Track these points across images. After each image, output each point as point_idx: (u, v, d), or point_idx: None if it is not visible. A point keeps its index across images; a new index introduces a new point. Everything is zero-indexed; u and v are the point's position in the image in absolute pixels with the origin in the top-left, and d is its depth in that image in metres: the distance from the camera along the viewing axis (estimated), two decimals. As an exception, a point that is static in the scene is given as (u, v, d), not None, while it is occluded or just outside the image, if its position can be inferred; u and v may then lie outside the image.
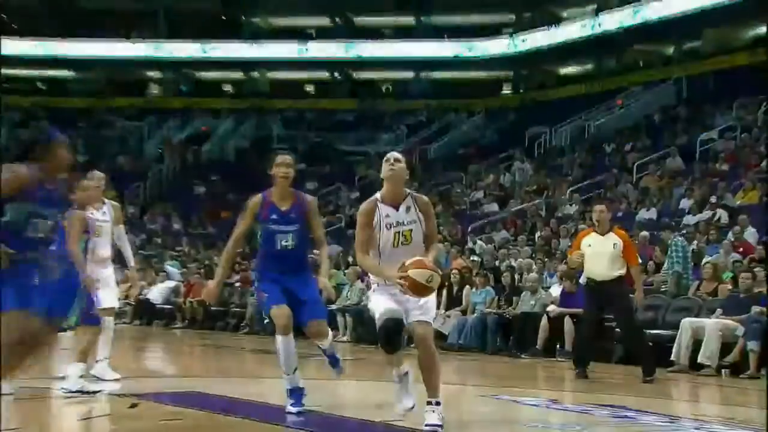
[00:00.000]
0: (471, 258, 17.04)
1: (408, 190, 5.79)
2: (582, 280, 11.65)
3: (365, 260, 5.73)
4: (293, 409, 6.28)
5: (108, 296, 8.29)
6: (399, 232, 5.58)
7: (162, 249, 26.25)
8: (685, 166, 20.73)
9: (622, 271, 9.77)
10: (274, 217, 6.38)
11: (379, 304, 5.65)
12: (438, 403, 5.53)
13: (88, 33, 36.37)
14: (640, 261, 10.97)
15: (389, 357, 5.73)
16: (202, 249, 25.55)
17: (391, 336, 5.60)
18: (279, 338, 6.24)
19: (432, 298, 5.64)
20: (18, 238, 4.92)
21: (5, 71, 37.55)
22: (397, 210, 5.63)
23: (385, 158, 5.77)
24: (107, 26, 36.79)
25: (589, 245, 9.86)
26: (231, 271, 17.29)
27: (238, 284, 19.13)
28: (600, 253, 9.76)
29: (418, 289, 5.35)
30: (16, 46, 35.17)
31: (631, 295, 10.09)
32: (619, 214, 17.96)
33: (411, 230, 5.61)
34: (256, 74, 39.01)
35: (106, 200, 8.49)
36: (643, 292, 10.52)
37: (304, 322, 6.37)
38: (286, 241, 6.34)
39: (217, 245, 25.74)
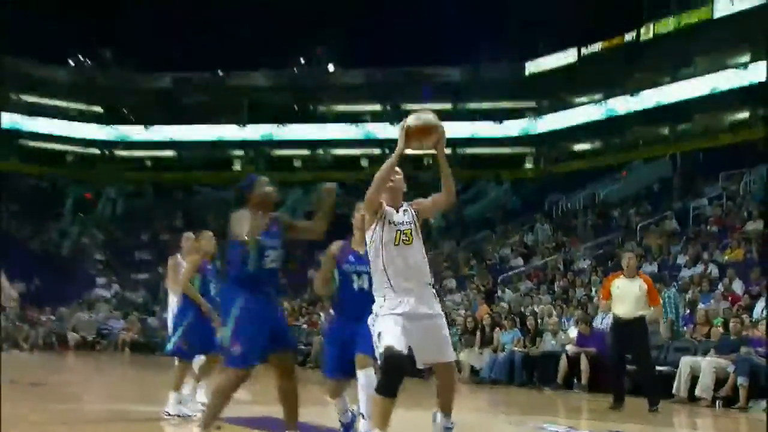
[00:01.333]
0: (500, 304, 16.93)
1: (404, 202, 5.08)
2: (603, 322, 11.52)
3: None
4: None
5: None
6: (400, 231, 4.85)
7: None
8: (680, 228, 20.48)
9: (645, 312, 9.60)
10: (351, 259, 5.72)
11: (386, 324, 4.67)
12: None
13: (186, 121, 37.23)
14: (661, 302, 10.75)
15: (383, 402, 4.52)
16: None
17: (394, 376, 4.54)
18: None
19: (445, 329, 4.83)
20: (251, 268, 4.96)
21: (120, 152, 38.49)
22: (397, 212, 4.95)
23: None
24: (201, 115, 37.52)
25: (618, 287, 9.63)
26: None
27: (304, 326, 19.14)
28: (627, 295, 9.53)
29: (425, 132, 4.79)
30: (129, 131, 36.17)
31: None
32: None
33: (411, 230, 4.89)
34: (320, 151, 39.40)
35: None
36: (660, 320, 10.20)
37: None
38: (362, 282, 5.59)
39: (287, 293, 25.85)
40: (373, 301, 4.96)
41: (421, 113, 4.92)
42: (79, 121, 37.50)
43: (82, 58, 37.78)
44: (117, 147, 38.43)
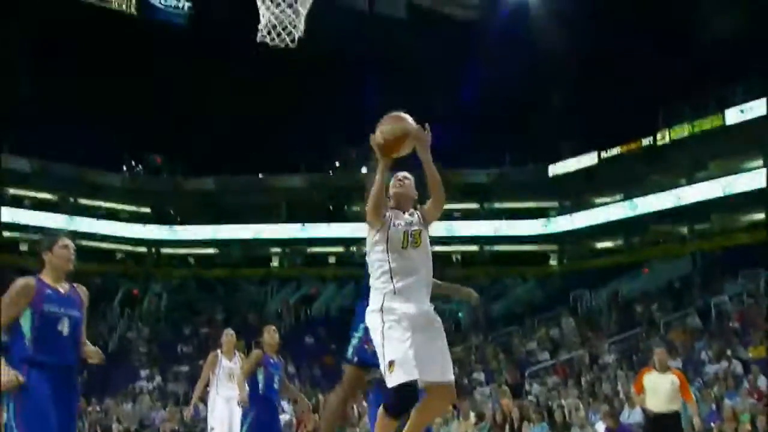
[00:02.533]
0: (528, 398, 16.65)
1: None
2: (630, 417, 11.28)
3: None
4: None
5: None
6: (408, 232, 4.51)
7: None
8: (703, 324, 20.21)
9: (678, 407, 9.41)
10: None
11: (396, 348, 4.19)
12: None
13: (227, 220, 37.86)
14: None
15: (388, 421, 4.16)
16: (310, 388, 25.40)
17: (407, 405, 4.19)
18: None
19: (446, 343, 4.40)
20: None
21: (166, 250, 39.05)
22: (404, 215, 4.64)
23: (394, 176, 4.82)
24: (242, 215, 38.10)
25: (650, 382, 9.47)
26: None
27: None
28: (659, 389, 9.36)
29: (397, 142, 4.35)
30: (173, 233, 36.82)
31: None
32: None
33: (420, 231, 4.55)
34: (353, 248, 39.63)
35: (236, 351, 8.72)
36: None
37: None
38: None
39: (322, 386, 25.64)
40: None
41: (386, 123, 4.44)
42: (128, 221, 38.28)
43: (134, 164, 38.92)
44: (163, 245, 39.03)
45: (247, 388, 7.61)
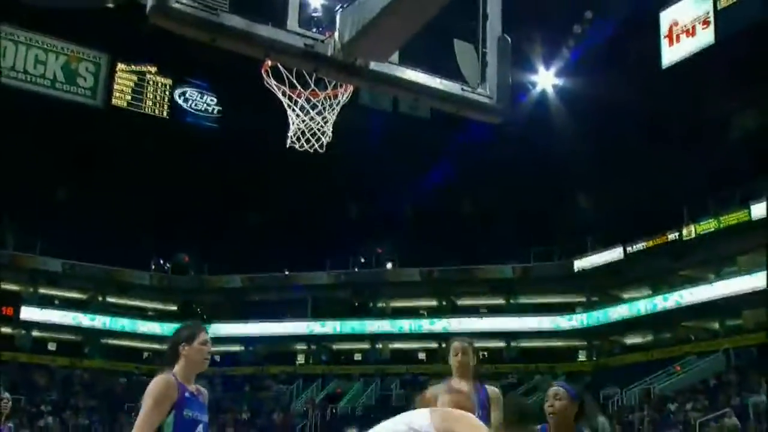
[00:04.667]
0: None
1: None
2: None
3: None
4: None
5: None
6: None
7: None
8: (741, 425, 19.46)
9: None
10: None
11: None
12: None
13: (254, 317, 37.71)
14: None
15: None
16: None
17: None
18: None
19: None
20: None
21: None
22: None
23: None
24: (267, 312, 37.96)
25: None
26: None
27: None
28: None
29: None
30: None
31: None
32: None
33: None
34: (379, 345, 39.17)
35: None
36: None
37: None
38: None
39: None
40: None
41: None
42: (155, 320, 38.27)
43: (162, 262, 39.20)
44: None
45: None
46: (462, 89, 5.01)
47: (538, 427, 4.00)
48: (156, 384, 4.15)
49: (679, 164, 29.26)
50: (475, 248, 35.78)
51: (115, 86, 34.13)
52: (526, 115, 31.31)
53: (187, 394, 4.19)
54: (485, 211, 35.43)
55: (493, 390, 4.82)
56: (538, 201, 33.60)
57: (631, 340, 34.98)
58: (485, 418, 4.61)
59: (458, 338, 4.95)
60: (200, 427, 4.19)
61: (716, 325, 31.24)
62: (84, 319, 35.61)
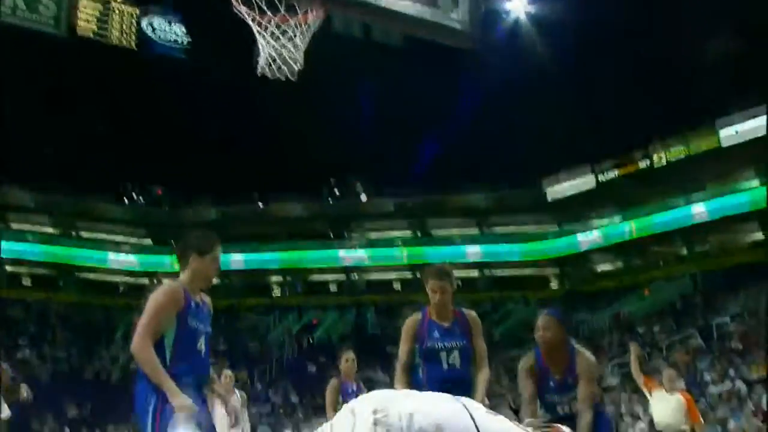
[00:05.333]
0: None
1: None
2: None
3: None
4: None
5: None
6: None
7: (284, 417, 26.01)
8: (705, 345, 20.09)
9: (686, 427, 9.28)
10: (436, 334, 4.75)
11: None
12: None
13: (229, 249, 37.73)
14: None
15: None
16: (314, 417, 25.23)
17: None
18: None
19: None
20: None
21: (167, 281, 38.86)
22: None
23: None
24: (242, 244, 37.97)
25: (658, 399, 9.33)
26: None
27: None
28: (666, 408, 9.21)
29: None
30: (174, 263, 36.60)
31: None
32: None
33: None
34: (355, 276, 39.51)
35: (235, 389, 8.55)
36: None
37: None
38: (453, 359, 4.74)
39: (325, 414, 25.43)
40: (466, 380, 4.46)
41: None
42: (130, 254, 38.18)
43: (135, 195, 38.93)
44: (164, 276, 38.91)
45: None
46: (434, 14, 5.00)
47: (532, 351, 4.12)
48: (163, 291, 4.07)
49: (650, 91, 29.36)
50: (447, 178, 35.88)
51: (79, 14, 33.20)
52: (498, 42, 31.00)
53: (192, 304, 4.09)
54: (457, 141, 35.38)
55: (472, 316, 4.80)
56: (509, 129, 33.60)
57: (602, 266, 35.63)
58: (468, 344, 4.62)
59: (436, 269, 4.84)
60: (203, 338, 4.12)
61: (684, 251, 31.90)
62: (58, 253, 35.45)
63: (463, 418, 2.28)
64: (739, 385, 15.30)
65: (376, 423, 2.28)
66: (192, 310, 4.05)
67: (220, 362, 18.64)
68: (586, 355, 3.93)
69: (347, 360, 7.35)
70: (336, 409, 6.99)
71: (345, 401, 6.81)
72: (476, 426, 2.28)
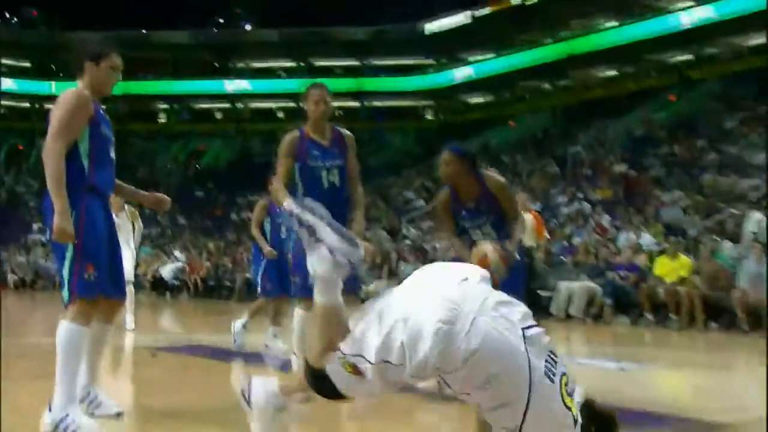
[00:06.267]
0: (405, 241, 17.22)
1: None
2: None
3: None
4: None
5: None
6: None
7: (171, 239, 26.06)
8: (561, 172, 21.13)
9: (532, 243, 10.12)
10: (315, 152, 4.46)
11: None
12: None
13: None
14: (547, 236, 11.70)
15: None
16: (201, 237, 25.40)
17: None
18: None
19: None
20: None
21: (50, 105, 36.86)
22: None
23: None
24: (127, 70, 36.14)
25: None
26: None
27: (229, 265, 19.01)
28: None
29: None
30: (57, 87, 34.76)
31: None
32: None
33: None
34: (240, 104, 38.75)
35: (125, 206, 8.59)
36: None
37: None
38: (333, 178, 4.47)
39: (212, 235, 25.64)
40: (345, 199, 4.36)
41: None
42: (9, 76, 35.72)
43: (8, 16, 35.88)
44: (47, 100, 36.84)
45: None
46: None
47: (445, 187, 4.19)
48: (73, 94, 3.64)
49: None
50: (330, 12, 34.87)
51: None
52: None
53: (101, 111, 3.74)
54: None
55: (348, 134, 4.62)
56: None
57: (474, 99, 36.28)
58: (342, 157, 4.64)
59: (314, 86, 4.56)
60: (113, 148, 3.79)
61: (547, 85, 32.80)
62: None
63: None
64: (585, 205, 16.37)
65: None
66: (102, 116, 3.71)
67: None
68: (494, 176, 4.09)
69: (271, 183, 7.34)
70: (261, 227, 7.19)
71: (273, 219, 7.09)
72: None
